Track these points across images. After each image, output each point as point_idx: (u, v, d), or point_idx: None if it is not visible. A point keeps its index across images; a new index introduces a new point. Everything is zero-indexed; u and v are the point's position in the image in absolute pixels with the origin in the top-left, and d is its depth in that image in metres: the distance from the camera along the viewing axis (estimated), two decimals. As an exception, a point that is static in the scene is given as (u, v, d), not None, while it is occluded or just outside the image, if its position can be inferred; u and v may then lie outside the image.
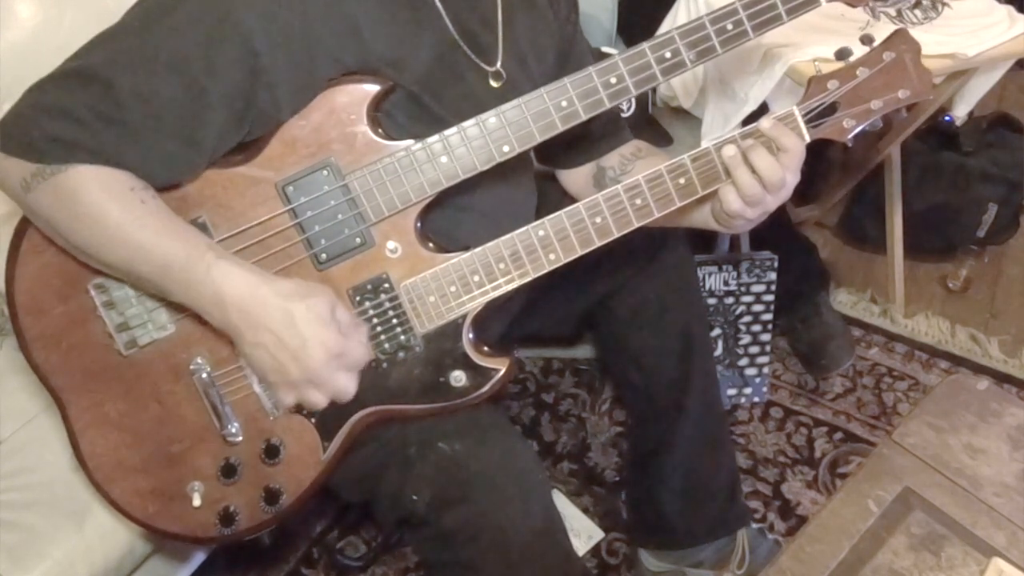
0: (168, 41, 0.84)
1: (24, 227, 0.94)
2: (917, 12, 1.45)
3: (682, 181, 0.96)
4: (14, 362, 1.21)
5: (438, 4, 0.95)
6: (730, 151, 0.95)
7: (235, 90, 0.86)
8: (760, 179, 0.94)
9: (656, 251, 1.25)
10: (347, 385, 0.91)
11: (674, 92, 1.68)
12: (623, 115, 1.64)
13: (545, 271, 0.98)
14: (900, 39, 0.95)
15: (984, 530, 0.91)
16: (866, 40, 0.96)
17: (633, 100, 1.64)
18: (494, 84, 1.02)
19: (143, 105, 0.83)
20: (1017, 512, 0.93)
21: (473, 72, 1.00)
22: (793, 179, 0.97)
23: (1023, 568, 0.87)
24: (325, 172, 0.92)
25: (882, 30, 1.07)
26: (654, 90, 1.71)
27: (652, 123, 1.68)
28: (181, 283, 0.86)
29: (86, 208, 0.84)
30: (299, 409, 0.98)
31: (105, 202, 0.84)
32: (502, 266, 0.97)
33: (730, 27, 0.92)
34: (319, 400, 0.90)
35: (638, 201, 0.96)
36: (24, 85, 0.85)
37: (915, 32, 0.97)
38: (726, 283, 1.69)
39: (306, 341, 0.85)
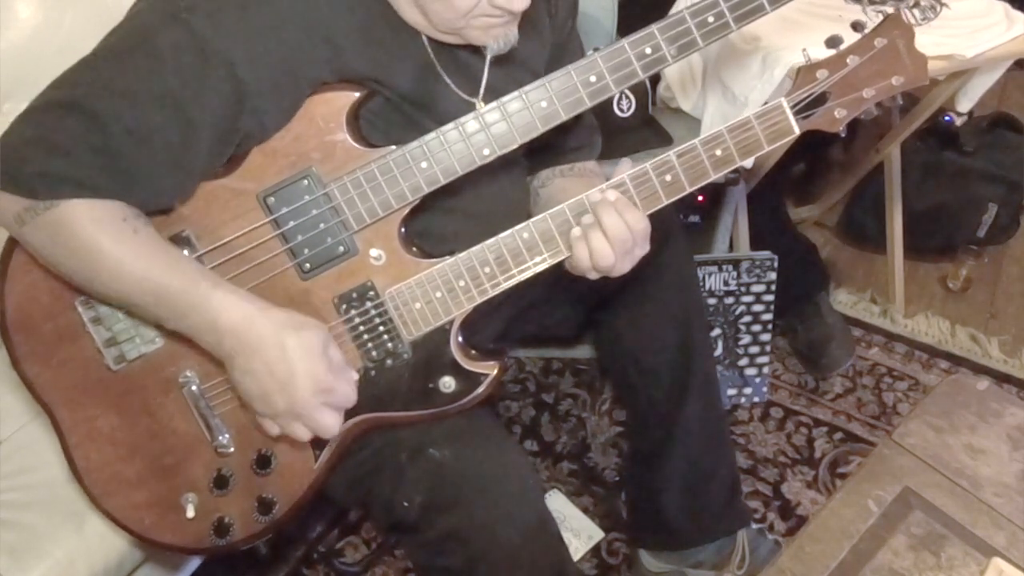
0: (152, 72, 0.84)
1: (12, 246, 0.94)
2: (916, 12, 1.45)
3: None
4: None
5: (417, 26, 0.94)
6: (576, 230, 0.94)
7: (221, 117, 0.86)
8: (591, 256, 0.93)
9: (656, 251, 1.24)
10: (330, 423, 0.91)
11: (673, 93, 1.68)
12: (623, 115, 1.64)
13: (532, 274, 0.97)
14: (892, 24, 0.92)
15: (984, 530, 0.91)
16: (857, 27, 0.94)
17: (633, 100, 1.64)
18: (479, 103, 1.00)
19: (130, 136, 0.84)
20: (1017, 512, 0.93)
21: (453, 92, 0.99)
22: (622, 265, 0.95)
23: (1023, 568, 0.87)
24: (306, 181, 0.92)
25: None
26: (654, 90, 1.71)
27: (652, 123, 1.68)
28: (176, 311, 0.87)
29: (79, 242, 0.85)
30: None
31: (97, 235, 0.84)
32: (487, 270, 0.96)
33: (711, 20, 0.89)
34: (302, 434, 0.91)
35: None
36: (24, 85, 0.85)
37: (913, 33, 0.96)
38: (726, 283, 1.69)
39: (295, 373, 0.86)
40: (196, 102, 0.84)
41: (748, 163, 0.97)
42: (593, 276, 0.98)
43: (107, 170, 0.84)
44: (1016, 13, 1.50)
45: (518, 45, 0.97)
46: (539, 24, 1.07)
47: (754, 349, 1.75)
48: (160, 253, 0.87)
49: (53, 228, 0.85)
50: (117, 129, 0.83)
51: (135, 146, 0.84)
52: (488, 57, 0.99)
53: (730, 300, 1.70)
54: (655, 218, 0.97)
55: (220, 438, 0.99)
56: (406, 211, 0.95)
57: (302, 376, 0.86)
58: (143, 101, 0.84)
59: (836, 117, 0.94)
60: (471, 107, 0.99)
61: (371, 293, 0.96)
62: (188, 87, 0.84)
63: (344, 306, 0.96)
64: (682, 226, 1.51)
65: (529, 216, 0.97)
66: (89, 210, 0.84)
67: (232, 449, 1.00)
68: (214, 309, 0.86)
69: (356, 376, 0.95)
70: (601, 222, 0.92)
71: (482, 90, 1.01)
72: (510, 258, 0.96)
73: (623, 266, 0.96)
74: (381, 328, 0.97)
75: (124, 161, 0.84)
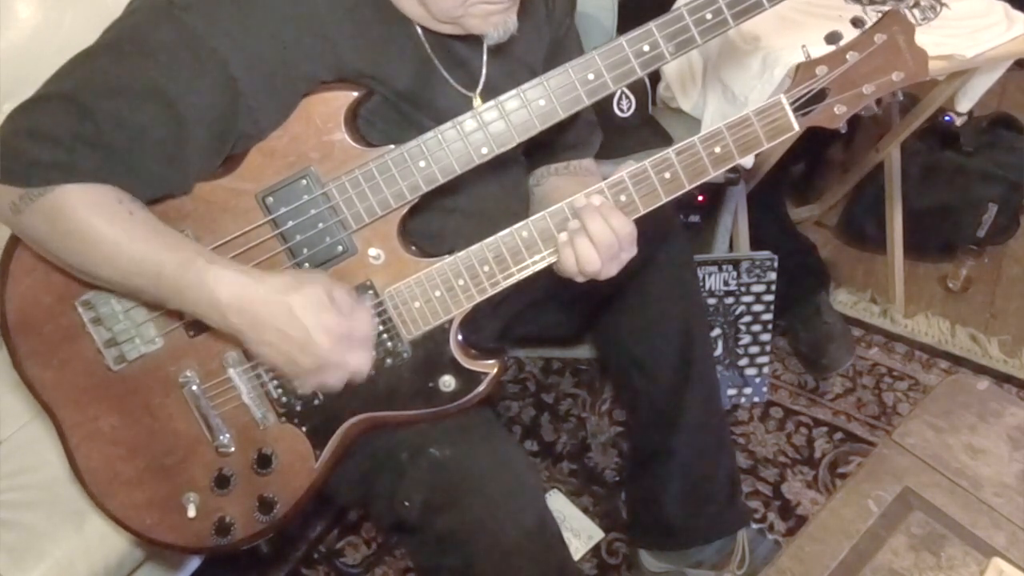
0: (144, 68, 0.84)
1: (12, 247, 0.94)
2: (915, 12, 1.45)
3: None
4: (14, 362, 1.21)
5: (413, 20, 0.94)
6: (563, 236, 0.95)
7: (215, 115, 0.86)
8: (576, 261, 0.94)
9: (656, 251, 1.24)
10: (360, 362, 0.91)
11: (673, 93, 1.68)
12: (623, 115, 1.64)
13: (531, 273, 0.97)
14: (892, 20, 0.92)
15: (984, 530, 0.91)
16: (857, 23, 0.94)
17: (633, 100, 1.64)
18: (476, 99, 1.01)
19: (123, 130, 0.84)
20: (1017, 512, 0.93)
21: (451, 87, 1.00)
22: (608, 269, 0.96)
23: (1023, 568, 0.87)
24: (304, 181, 0.92)
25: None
26: (654, 90, 1.71)
27: (652, 123, 1.68)
28: (175, 292, 0.87)
29: (75, 226, 0.85)
30: (291, 418, 0.99)
31: (93, 218, 0.84)
32: (487, 269, 0.96)
33: (709, 16, 0.89)
34: (337, 382, 0.91)
35: (623, 198, 0.95)
36: (24, 85, 0.85)
37: (913, 34, 0.95)
38: (726, 283, 1.69)
39: (309, 330, 0.86)
40: (188, 99, 0.84)
41: (748, 162, 0.97)
42: (580, 280, 0.98)
43: (101, 161, 0.84)
44: (1016, 13, 1.50)
45: (515, 39, 0.97)
46: (537, 19, 1.08)
47: (754, 349, 1.75)
48: (157, 234, 0.87)
49: (49, 213, 0.84)
50: (108, 123, 0.83)
51: (127, 140, 0.84)
52: (486, 47, 0.99)
53: (730, 300, 1.70)
54: (654, 217, 0.97)
55: (221, 438, 0.99)
56: (405, 210, 0.95)
57: (316, 331, 0.86)
58: (134, 96, 0.84)
59: (836, 113, 0.94)
60: (469, 102, 1.00)
61: (370, 292, 0.96)
62: (180, 84, 0.84)
63: (344, 306, 0.96)
64: (682, 226, 1.51)
65: (528, 215, 0.97)
66: (84, 194, 0.84)
67: (233, 449, 1.00)
68: (211, 285, 0.86)
69: (370, 305, 0.94)
70: (587, 227, 0.92)
71: (480, 85, 1.01)
72: (509, 257, 0.96)
73: (610, 270, 0.96)
74: (381, 327, 0.97)
75: (117, 154, 0.84)
